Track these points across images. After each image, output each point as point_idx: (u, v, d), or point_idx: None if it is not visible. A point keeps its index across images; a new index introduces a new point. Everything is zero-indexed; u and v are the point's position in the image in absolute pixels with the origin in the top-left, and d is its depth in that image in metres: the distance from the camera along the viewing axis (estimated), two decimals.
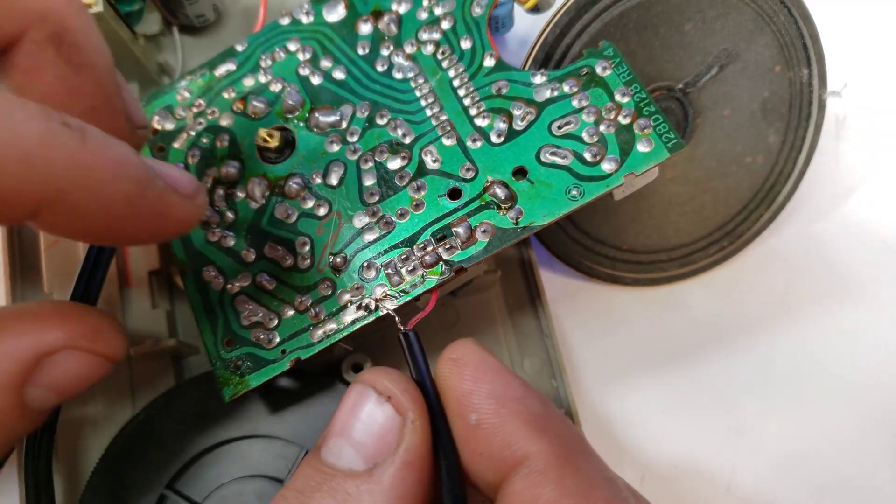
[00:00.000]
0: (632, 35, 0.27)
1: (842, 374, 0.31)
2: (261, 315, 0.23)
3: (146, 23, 0.30)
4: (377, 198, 0.24)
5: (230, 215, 0.25)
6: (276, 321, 0.23)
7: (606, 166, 0.22)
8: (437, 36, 0.25)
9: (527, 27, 0.32)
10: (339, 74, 0.25)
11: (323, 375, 0.26)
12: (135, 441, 0.25)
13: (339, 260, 0.23)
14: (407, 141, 0.24)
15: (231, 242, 0.24)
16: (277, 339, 0.23)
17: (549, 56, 0.27)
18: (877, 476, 0.30)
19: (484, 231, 0.22)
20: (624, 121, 0.22)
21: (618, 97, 0.23)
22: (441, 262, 0.22)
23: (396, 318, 0.22)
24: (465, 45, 0.25)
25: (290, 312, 0.23)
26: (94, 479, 0.25)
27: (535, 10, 0.27)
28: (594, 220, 0.30)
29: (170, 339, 0.28)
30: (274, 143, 0.24)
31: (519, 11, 0.28)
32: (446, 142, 0.24)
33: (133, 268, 0.29)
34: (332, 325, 0.22)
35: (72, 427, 0.27)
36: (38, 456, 0.23)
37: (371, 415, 0.16)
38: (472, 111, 0.24)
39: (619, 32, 0.27)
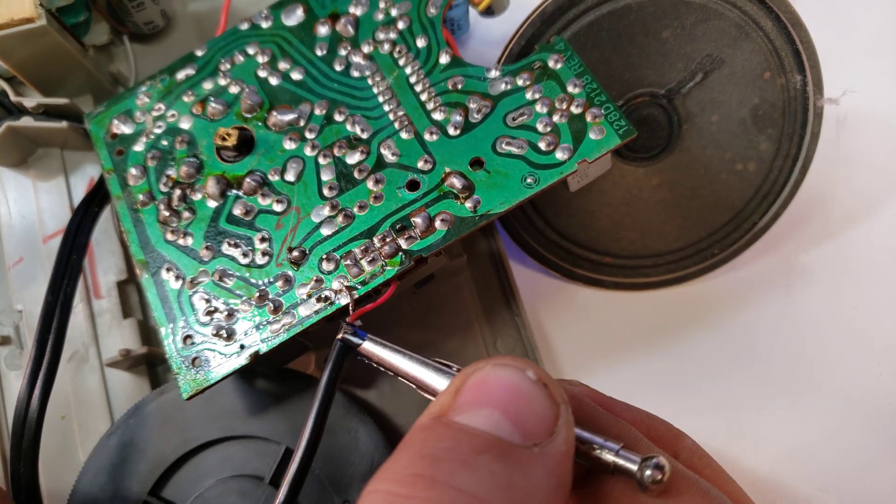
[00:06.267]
0: (606, 43, 0.28)
1: (841, 375, 0.31)
2: (219, 311, 0.23)
3: (94, 33, 0.30)
4: (336, 192, 0.24)
5: (188, 214, 0.24)
6: (234, 317, 0.23)
7: (560, 154, 0.22)
8: (393, 36, 0.25)
9: (488, 31, 0.32)
10: (297, 75, 0.26)
11: (295, 373, 0.26)
12: (114, 452, 0.25)
13: (297, 254, 0.23)
14: (365, 136, 0.24)
15: (189, 241, 0.24)
16: (236, 335, 0.23)
17: None
18: (876, 476, 0.29)
19: (443, 220, 0.22)
20: (576, 111, 0.23)
21: (570, 88, 0.23)
22: (401, 252, 0.22)
23: (350, 303, 0.22)
24: (421, 43, 0.25)
25: (249, 308, 0.23)
26: (75, 494, 0.25)
27: (489, 12, 0.28)
28: (572, 224, 0.30)
29: (142, 346, 0.27)
30: (231, 141, 0.24)
31: (476, 15, 0.29)
32: (404, 136, 0.24)
33: (101, 281, 0.28)
34: (290, 319, 0.22)
35: (50, 443, 0.27)
36: (22, 473, 0.23)
37: (532, 395, 0.15)
38: (429, 106, 0.24)
39: (591, 42, 0.27)
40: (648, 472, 0.15)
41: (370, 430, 0.26)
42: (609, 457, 0.16)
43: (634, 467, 0.15)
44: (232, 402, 0.26)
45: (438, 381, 0.18)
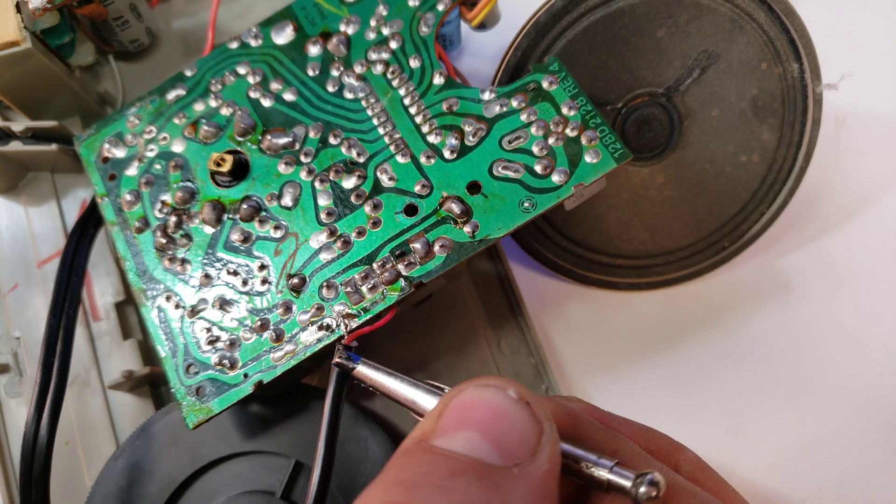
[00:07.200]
0: (601, 48, 0.28)
1: (841, 375, 0.31)
2: (221, 340, 0.23)
3: (80, 54, 0.29)
4: (334, 217, 0.24)
5: (185, 241, 0.24)
6: (236, 345, 0.23)
7: (556, 178, 0.23)
8: (386, 56, 0.25)
9: (481, 45, 0.32)
10: (289, 96, 0.26)
11: (300, 386, 0.26)
12: (121, 476, 0.25)
13: (297, 281, 0.23)
14: (361, 160, 0.24)
15: (188, 268, 0.24)
16: (239, 364, 0.23)
17: (515, 79, 0.27)
18: (876, 476, 0.30)
19: (442, 246, 0.22)
20: (571, 133, 0.23)
21: (564, 111, 0.23)
22: (401, 279, 0.22)
23: (345, 328, 0.22)
24: (414, 63, 0.25)
25: (251, 336, 0.23)
26: None
27: (482, 27, 0.28)
28: (582, 228, 0.30)
29: (144, 367, 0.27)
30: (226, 167, 0.24)
31: (467, 29, 0.29)
32: (400, 159, 0.24)
33: (99, 302, 0.28)
34: (293, 347, 0.23)
35: (55, 470, 0.26)
36: (34, 500, 0.23)
37: (513, 414, 0.15)
38: (425, 128, 0.24)
39: (587, 47, 0.28)
40: (643, 489, 0.15)
41: (380, 439, 0.26)
42: (603, 474, 0.16)
43: (629, 484, 0.15)
44: (238, 418, 0.26)
45: (429, 403, 0.19)
